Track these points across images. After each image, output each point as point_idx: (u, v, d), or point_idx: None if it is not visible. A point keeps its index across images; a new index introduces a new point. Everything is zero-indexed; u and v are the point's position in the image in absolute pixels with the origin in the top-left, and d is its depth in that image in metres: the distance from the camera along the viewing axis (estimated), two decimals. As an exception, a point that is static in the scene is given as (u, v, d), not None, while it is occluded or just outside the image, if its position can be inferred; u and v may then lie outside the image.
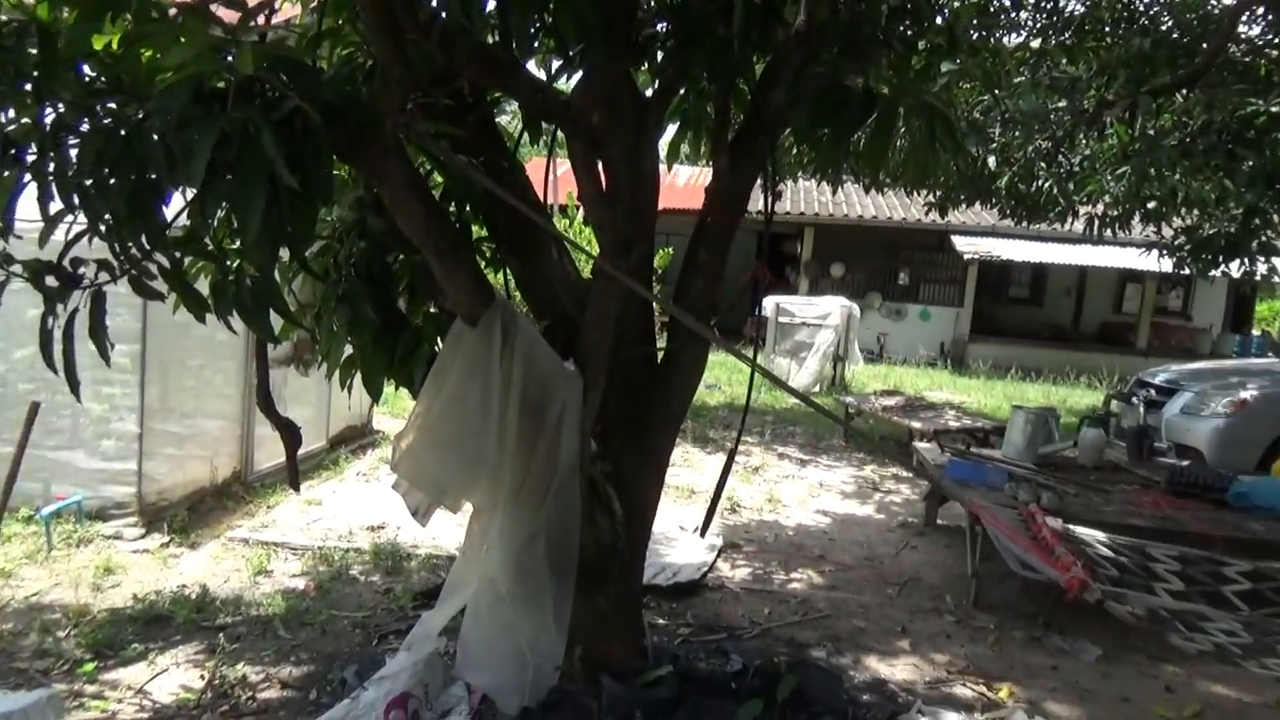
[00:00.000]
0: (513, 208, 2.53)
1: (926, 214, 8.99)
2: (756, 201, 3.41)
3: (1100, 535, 3.01)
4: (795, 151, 6.89)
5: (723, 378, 11.27)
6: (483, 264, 3.02)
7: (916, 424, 7.39)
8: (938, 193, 8.39)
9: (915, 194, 9.44)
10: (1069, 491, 4.70)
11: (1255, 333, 18.01)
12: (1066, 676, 3.83)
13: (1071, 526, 3.24)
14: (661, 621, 4.09)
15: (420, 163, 2.82)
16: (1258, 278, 8.29)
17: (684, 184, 16.67)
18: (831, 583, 4.79)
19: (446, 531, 4.86)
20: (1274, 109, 6.57)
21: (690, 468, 7.03)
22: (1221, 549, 3.98)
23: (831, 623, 4.24)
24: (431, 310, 2.97)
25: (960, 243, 15.45)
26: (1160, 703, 3.65)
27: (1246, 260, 8.19)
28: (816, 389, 11.07)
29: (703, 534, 3.08)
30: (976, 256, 15.24)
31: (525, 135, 3.18)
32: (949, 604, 4.54)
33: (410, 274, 2.94)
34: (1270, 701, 3.71)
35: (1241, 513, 4.69)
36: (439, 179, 2.91)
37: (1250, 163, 7.26)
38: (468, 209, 2.92)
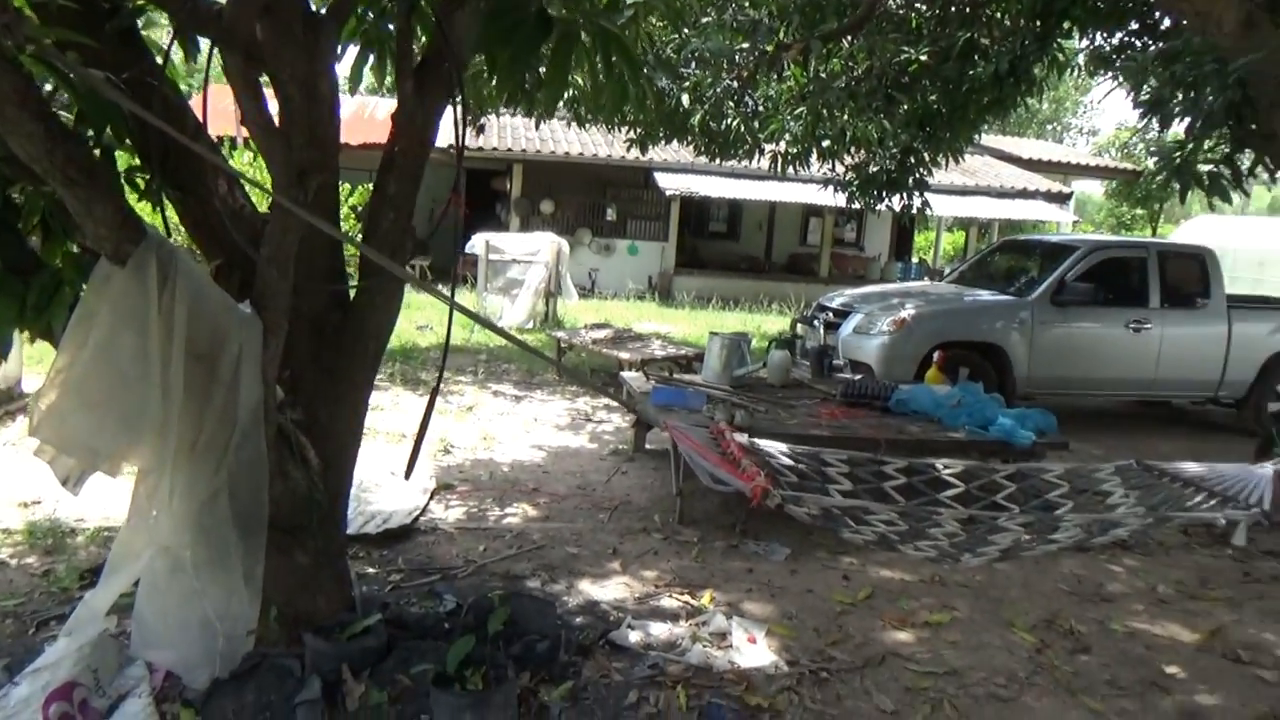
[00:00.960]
0: (167, 134, 2.22)
1: (628, 150, 9.21)
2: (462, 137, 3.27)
3: (782, 446, 3.27)
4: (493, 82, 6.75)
5: (434, 318, 11.01)
6: (135, 197, 2.66)
7: (625, 355, 7.65)
8: (638, 130, 8.61)
9: (617, 131, 9.63)
10: (759, 409, 5.09)
11: (915, 260, 20.45)
12: (760, 577, 4.17)
13: (757, 440, 3.50)
14: (372, 570, 3.96)
15: (46, 78, 2.41)
16: (914, 211, 9.33)
17: (385, 117, 15.87)
18: (546, 514, 4.87)
19: (120, 500, 4.36)
20: (923, 57, 7.34)
21: (400, 411, 6.83)
22: (885, 450, 4.49)
23: (546, 553, 4.32)
24: (73, 250, 2.59)
25: (663, 180, 16.06)
26: (838, 591, 4.08)
27: (904, 195, 9.19)
28: (530, 325, 11.13)
29: (407, 477, 2.97)
30: (678, 193, 15.94)
31: (178, 50, 2.82)
32: (656, 523, 4.77)
33: (41, 208, 2.53)
34: (926, 578, 4.27)
35: (902, 417, 5.32)
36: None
37: (905, 106, 8.10)
38: (109, 133, 2.55)
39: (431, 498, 4.92)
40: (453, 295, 2.75)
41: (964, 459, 4.71)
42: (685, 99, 7.56)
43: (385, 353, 3.39)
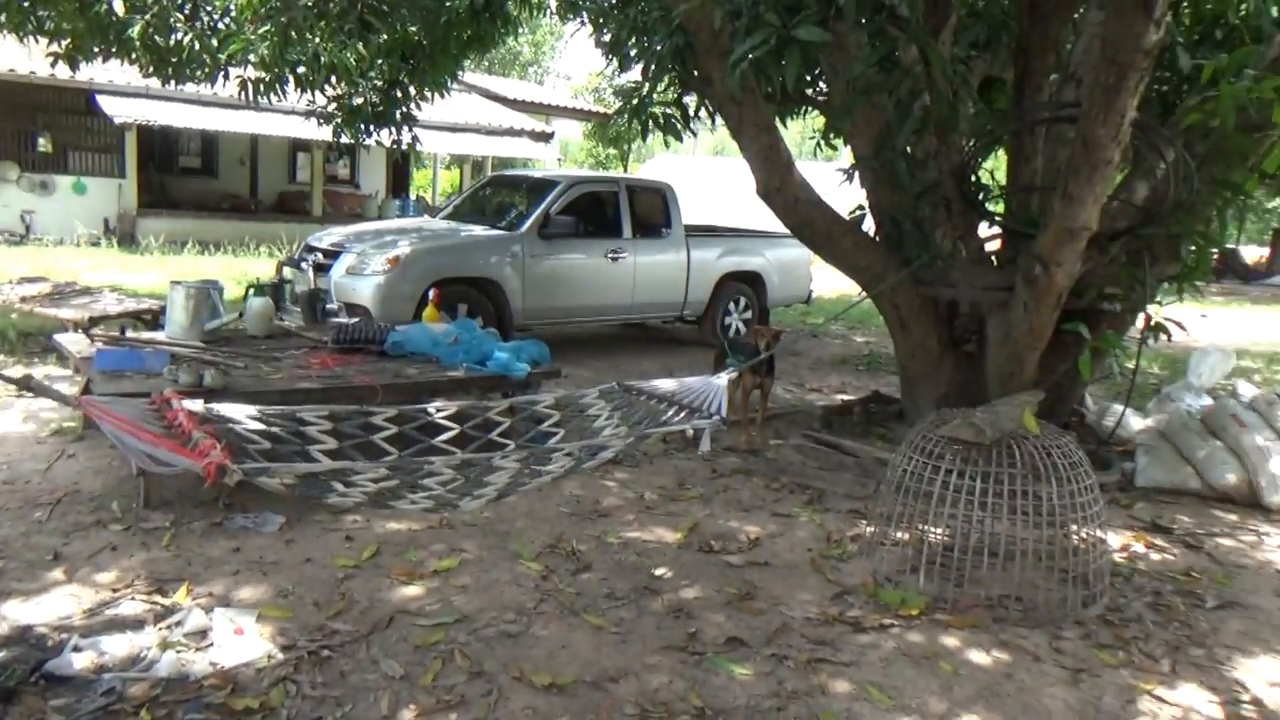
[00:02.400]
0: None
1: (53, 65, 7.55)
2: None
3: (250, 410, 2.84)
4: None
5: None
6: None
7: (68, 313, 6.36)
8: (62, 41, 7.09)
9: (37, 41, 7.85)
10: (237, 365, 4.49)
11: (413, 197, 20.23)
12: (250, 555, 3.68)
13: (215, 406, 3.00)
14: None
15: None
16: (404, 146, 9.05)
17: None
18: (-43, 524, 3.81)
19: None
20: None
21: None
22: (384, 396, 4.22)
23: (-45, 575, 3.36)
24: None
25: (110, 105, 13.72)
26: (341, 554, 3.76)
27: (394, 129, 8.86)
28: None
29: None
30: (132, 121, 13.75)
31: None
32: (115, 512, 3.99)
33: None
34: (434, 523, 4.12)
35: (400, 360, 5.09)
36: None
37: (384, 35, 7.71)
38: None
39: None
40: None
41: (465, 396, 4.64)
42: (118, 5, 6.34)
43: None
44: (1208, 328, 6.33)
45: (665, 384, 3.64)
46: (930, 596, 3.64)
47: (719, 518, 4.50)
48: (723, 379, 3.55)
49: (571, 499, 4.60)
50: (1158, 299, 5.22)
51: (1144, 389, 6.13)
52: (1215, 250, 5.28)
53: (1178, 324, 5.10)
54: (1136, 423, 5.96)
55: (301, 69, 7.43)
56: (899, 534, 4.02)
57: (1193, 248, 5.07)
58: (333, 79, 8.01)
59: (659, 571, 3.82)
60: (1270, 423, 5.22)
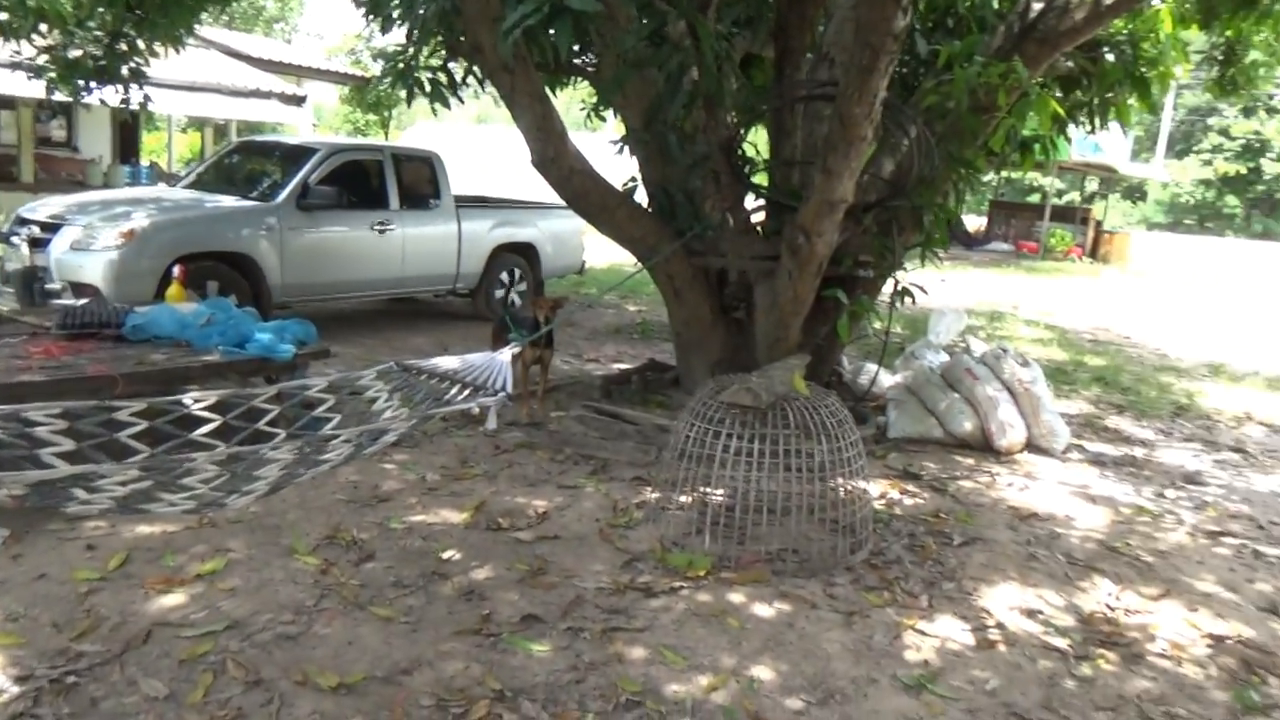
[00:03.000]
0: None
1: None
2: None
3: (-41, 410, 2.44)
4: None
5: None
6: None
7: None
8: None
9: None
10: (-61, 357, 3.87)
11: (146, 163, 18.32)
12: (-33, 577, 3.21)
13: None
14: None
15: None
16: (133, 106, 8.15)
17: None
18: None
19: None
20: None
21: None
22: (124, 388, 3.79)
23: None
24: None
25: None
26: (82, 566, 3.35)
27: (121, 86, 7.94)
28: None
29: None
30: None
31: None
32: None
33: None
34: (193, 523, 3.76)
35: (143, 345, 4.60)
36: None
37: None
38: None
39: None
40: None
41: (224, 384, 4.27)
42: None
43: None
44: (944, 290, 6.97)
45: (447, 362, 3.50)
46: (715, 556, 3.77)
47: (505, 494, 4.43)
48: (507, 354, 3.47)
49: (348, 485, 4.36)
50: (904, 265, 5.67)
51: (892, 348, 6.66)
52: (949, 220, 5.80)
53: (920, 288, 5.57)
54: (887, 380, 6.47)
55: (3, 14, 6.49)
56: (683, 498, 4.14)
57: (932, 218, 5.53)
58: (43, 26, 7.07)
59: (447, 554, 3.71)
60: (997, 374, 5.83)
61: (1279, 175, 39.96)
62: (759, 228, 5.78)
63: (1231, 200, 41.78)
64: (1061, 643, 3.35)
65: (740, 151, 5.51)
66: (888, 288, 5.71)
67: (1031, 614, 3.56)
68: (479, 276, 8.95)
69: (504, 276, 9.23)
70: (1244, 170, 40.65)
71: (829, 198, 4.65)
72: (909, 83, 5.72)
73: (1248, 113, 40.29)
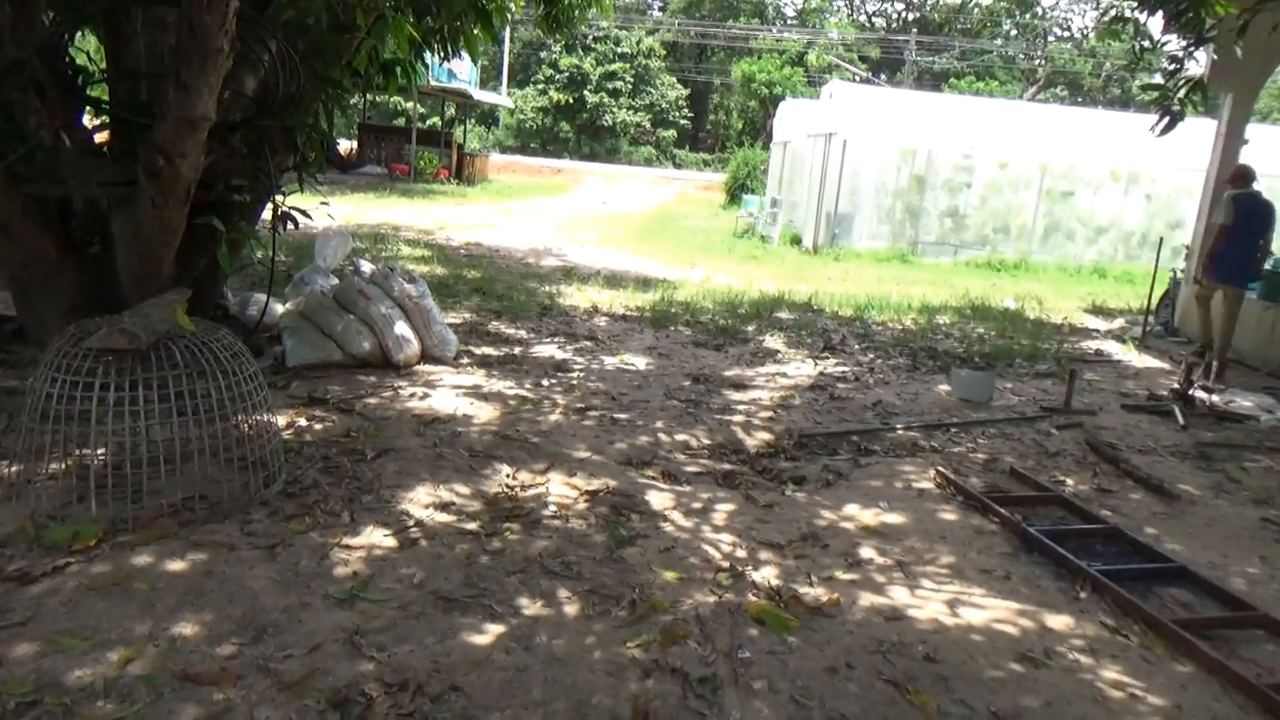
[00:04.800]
0: None
1: None
2: None
3: None
4: None
5: None
6: None
7: None
8: None
9: None
10: None
11: None
12: None
13: None
14: None
15: None
16: None
17: None
18: None
19: None
20: None
21: None
22: None
23: None
24: None
25: None
26: None
27: None
28: None
29: None
30: None
31: None
32: None
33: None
34: None
35: None
36: None
37: None
38: None
39: None
40: None
41: None
42: None
43: None
44: (327, 214, 6.91)
45: None
46: (107, 521, 3.35)
47: None
48: None
49: None
50: (282, 189, 5.47)
51: (280, 276, 6.45)
52: (323, 141, 5.72)
53: (303, 212, 5.45)
54: (279, 308, 6.26)
55: None
56: (54, 465, 3.57)
57: (305, 139, 5.40)
58: None
59: None
60: (388, 293, 6.03)
61: (597, 105, 47.12)
62: (106, 149, 5.06)
63: (565, 125, 48.11)
64: (473, 526, 3.70)
65: (69, 58, 4.72)
66: (268, 214, 5.47)
67: (445, 506, 3.86)
68: None
69: None
70: (571, 100, 47.02)
71: (188, 115, 4.24)
72: (263, -6, 5.43)
73: (569, 49, 46.48)
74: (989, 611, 3.35)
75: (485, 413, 5.24)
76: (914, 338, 8.75)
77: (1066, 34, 52.19)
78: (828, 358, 7.60)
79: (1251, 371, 8.36)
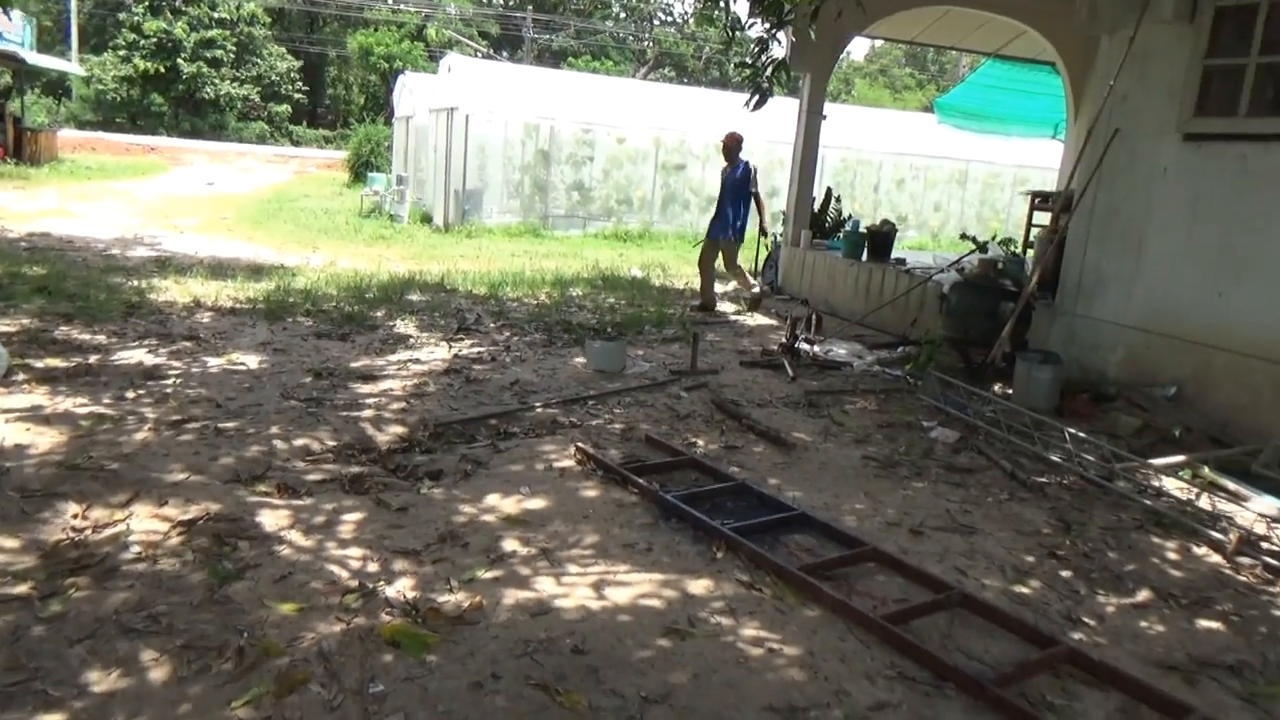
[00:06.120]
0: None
1: None
2: None
3: None
4: None
5: None
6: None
7: None
8: None
9: None
10: None
11: None
12: None
13: None
14: None
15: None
16: None
17: None
18: None
19: None
20: None
21: None
22: None
23: None
24: None
25: None
26: None
27: None
28: None
29: None
30: None
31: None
32: None
33: None
34: None
35: None
36: None
37: None
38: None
39: None
40: None
41: None
42: None
43: None
44: None
45: None
46: None
47: None
48: None
49: None
50: None
51: None
52: None
53: None
54: None
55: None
56: None
57: None
58: None
59: None
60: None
61: (194, 75, 42.19)
62: None
63: (158, 98, 42.56)
64: (22, 588, 2.95)
65: None
66: None
67: (-19, 570, 3.04)
68: None
69: None
70: (163, 69, 41.65)
71: None
72: None
73: (155, 11, 41.13)
74: (634, 588, 3.29)
75: (46, 440, 4.30)
76: (549, 312, 8.75)
77: (670, 19, 56.05)
78: (462, 339, 7.32)
79: (844, 323, 9.39)
